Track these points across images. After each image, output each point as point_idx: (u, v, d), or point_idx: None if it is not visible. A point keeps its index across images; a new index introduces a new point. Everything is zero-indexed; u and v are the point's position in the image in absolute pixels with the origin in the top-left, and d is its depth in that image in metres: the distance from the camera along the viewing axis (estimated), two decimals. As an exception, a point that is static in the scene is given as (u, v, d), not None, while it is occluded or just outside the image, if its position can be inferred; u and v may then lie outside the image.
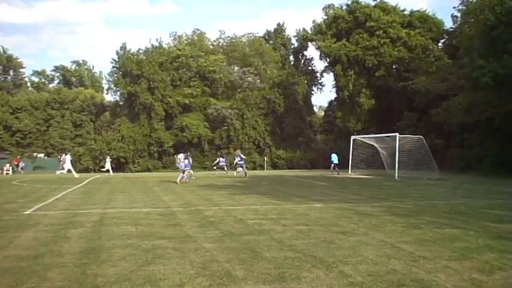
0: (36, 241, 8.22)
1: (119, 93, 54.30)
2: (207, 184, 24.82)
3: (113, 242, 8.04)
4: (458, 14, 43.74)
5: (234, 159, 35.88)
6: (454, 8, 43.83)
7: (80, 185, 24.96)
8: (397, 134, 30.68)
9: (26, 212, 12.51)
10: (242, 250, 7.23)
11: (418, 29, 48.30)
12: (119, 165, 47.36)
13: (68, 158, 36.81)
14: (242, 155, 35.36)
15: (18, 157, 50.58)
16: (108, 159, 43.75)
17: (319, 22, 53.34)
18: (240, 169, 33.84)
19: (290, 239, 8.13)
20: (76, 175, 34.45)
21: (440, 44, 50.07)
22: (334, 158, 35.97)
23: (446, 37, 48.82)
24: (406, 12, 50.67)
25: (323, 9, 53.66)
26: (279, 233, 8.83)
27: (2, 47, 79.19)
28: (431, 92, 39.04)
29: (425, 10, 51.12)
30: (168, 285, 5.39)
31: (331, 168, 35.71)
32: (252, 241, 7.98)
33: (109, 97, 65.86)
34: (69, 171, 35.22)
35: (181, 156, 28.88)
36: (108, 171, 41.75)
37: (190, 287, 5.30)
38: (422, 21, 49.15)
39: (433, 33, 48.45)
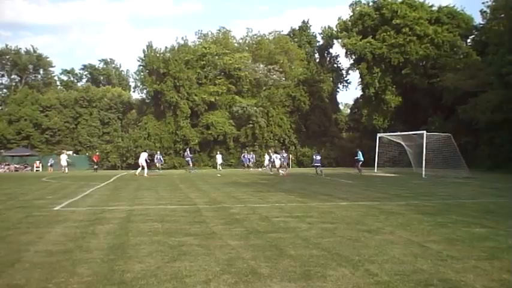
0: (65, 237, 8.38)
1: (145, 91, 54.79)
2: (232, 181, 24.90)
3: (140, 238, 8.13)
4: (488, 10, 42.89)
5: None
6: (483, 3, 43.00)
7: (107, 182, 25.30)
8: (424, 131, 30.22)
9: (55, 208, 12.76)
10: (267, 248, 7.24)
11: (446, 25, 47.47)
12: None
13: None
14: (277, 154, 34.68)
15: (97, 153, 49.26)
16: (187, 153, 43.67)
17: (344, 19, 52.94)
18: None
19: (315, 237, 8.10)
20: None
21: (468, 41, 49.22)
22: (360, 155, 35.20)
23: (476, 33, 47.94)
24: (434, 8, 49.83)
25: (350, 6, 53.19)
26: (304, 230, 8.81)
27: (32, 46, 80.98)
28: (459, 89, 38.37)
29: (454, 6, 50.20)
30: (194, 281, 5.42)
31: (358, 166, 34.85)
32: (277, 239, 7.97)
33: (136, 95, 66.67)
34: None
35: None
36: (188, 165, 42.19)
37: (216, 284, 5.32)
38: (450, 17, 48.30)
39: (461, 29, 47.59)
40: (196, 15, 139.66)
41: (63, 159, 44.07)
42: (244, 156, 46.12)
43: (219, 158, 44.56)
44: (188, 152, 43.81)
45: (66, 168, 42.77)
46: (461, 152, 30.28)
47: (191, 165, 41.97)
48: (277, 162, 33.06)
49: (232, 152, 50.98)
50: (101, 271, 5.89)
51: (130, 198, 15.57)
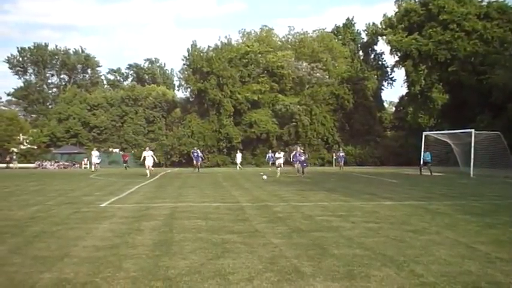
0: (111, 232, 8.57)
1: (189, 89, 55.56)
2: (275, 180, 24.88)
3: (184, 235, 8.23)
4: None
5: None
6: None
7: (152, 179, 25.74)
8: (472, 130, 29.33)
9: (102, 205, 13.08)
10: (310, 246, 7.20)
11: (496, 20, 46.04)
12: (188, 161, 48.29)
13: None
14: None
15: (122, 153, 48.45)
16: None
17: (389, 16, 52.08)
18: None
19: (359, 237, 8.01)
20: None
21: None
22: (428, 156, 33.55)
23: (528, 28, 46.25)
24: (483, 3, 48.38)
25: (395, 2, 52.27)
26: (348, 230, 8.72)
27: (81, 47, 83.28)
28: (509, 86, 37.10)
29: (504, 0, 48.50)
30: (237, 279, 5.45)
31: (428, 167, 33.27)
32: (320, 238, 7.93)
33: (180, 94, 67.56)
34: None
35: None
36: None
37: (259, 282, 5.33)
38: (500, 12, 46.79)
39: (512, 24, 46.08)
40: (239, 15, 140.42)
41: (94, 156, 40.51)
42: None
43: (238, 157, 44.22)
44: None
45: (94, 166, 39.54)
46: (511, 151, 29.34)
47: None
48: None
49: (275, 151, 50.89)
50: (146, 267, 6.00)
51: (174, 196, 15.78)
